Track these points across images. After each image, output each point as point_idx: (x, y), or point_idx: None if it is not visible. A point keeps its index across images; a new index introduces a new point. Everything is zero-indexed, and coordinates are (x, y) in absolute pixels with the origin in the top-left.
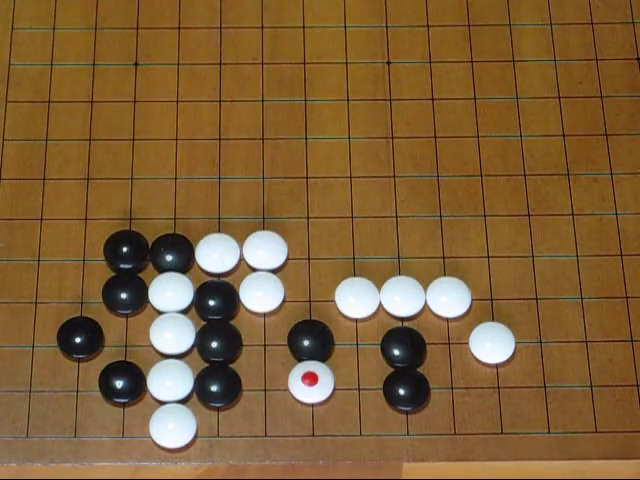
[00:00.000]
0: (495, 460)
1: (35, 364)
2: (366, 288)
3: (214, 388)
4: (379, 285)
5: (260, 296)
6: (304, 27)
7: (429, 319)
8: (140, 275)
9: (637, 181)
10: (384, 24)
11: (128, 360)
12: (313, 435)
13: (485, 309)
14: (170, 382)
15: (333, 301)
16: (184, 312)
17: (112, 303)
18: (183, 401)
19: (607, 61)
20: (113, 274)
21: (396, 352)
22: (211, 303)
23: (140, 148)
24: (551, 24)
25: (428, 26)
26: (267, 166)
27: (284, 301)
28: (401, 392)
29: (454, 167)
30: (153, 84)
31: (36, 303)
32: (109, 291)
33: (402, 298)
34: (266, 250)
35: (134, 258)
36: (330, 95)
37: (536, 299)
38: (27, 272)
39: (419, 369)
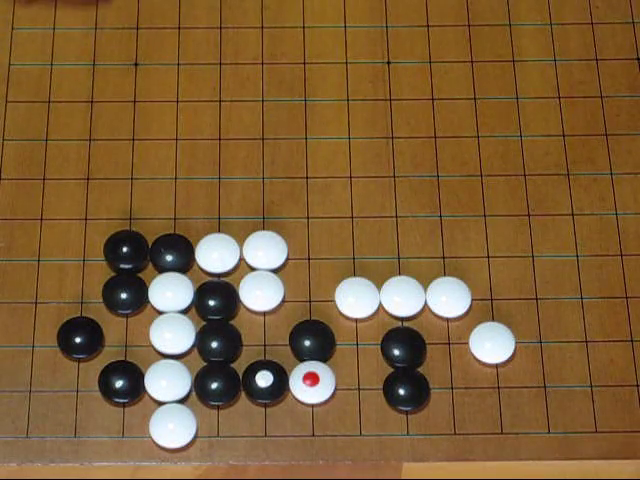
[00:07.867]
0: (495, 460)
1: (35, 364)
2: (366, 288)
3: (214, 386)
4: (379, 285)
5: (260, 295)
6: (304, 27)
7: (429, 319)
8: (140, 275)
9: (637, 181)
10: (384, 24)
11: (128, 360)
12: (313, 435)
13: (485, 309)
14: (166, 382)
15: (333, 301)
16: (184, 312)
17: (112, 303)
18: (181, 401)
19: (607, 61)
20: (113, 274)
21: (396, 352)
22: (211, 303)
23: (140, 148)
24: (551, 24)
25: (428, 26)
26: (267, 166)
27: (284, 301)
28: (401, 392)
29: (454, 167)
30: (153, 84)
31: (36, 303)
32: (109, 291)
33: (402, 298)
34: (266, 250)
35: (134, 258)
36: (330, 95)
37: (536, 299)
38: (27, 272)
39: (419, 369)
